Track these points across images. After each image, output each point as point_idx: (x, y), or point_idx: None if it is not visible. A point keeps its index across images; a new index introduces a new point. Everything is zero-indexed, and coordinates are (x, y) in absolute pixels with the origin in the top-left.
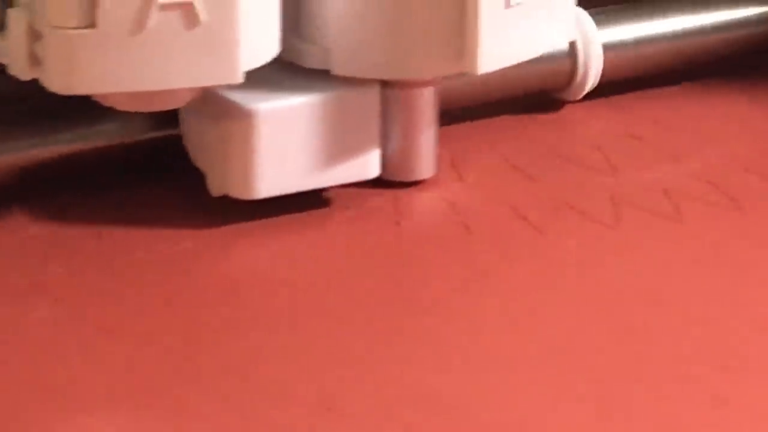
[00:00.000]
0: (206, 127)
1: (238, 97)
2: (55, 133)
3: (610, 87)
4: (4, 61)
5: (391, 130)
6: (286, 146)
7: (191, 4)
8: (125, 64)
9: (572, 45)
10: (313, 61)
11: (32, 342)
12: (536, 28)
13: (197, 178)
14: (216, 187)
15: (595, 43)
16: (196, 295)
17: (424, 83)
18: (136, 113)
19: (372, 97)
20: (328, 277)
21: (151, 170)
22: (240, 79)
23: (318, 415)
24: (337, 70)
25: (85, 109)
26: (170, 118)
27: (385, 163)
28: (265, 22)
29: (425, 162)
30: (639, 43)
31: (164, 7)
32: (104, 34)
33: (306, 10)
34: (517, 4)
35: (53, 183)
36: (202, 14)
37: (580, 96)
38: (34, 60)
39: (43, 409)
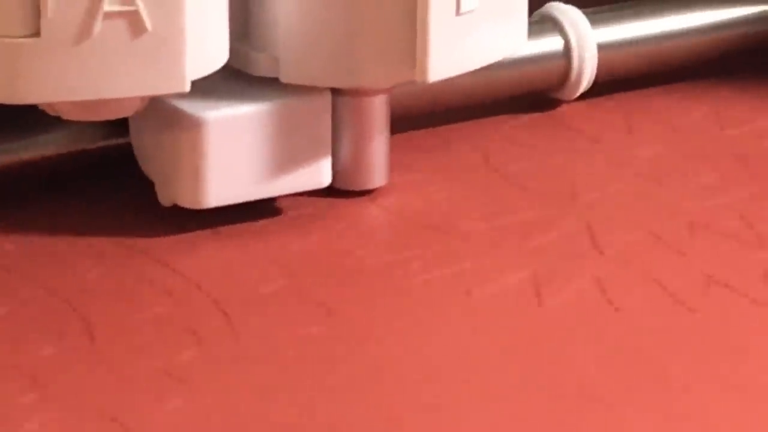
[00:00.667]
0: (155, 136)
1: (186, 106)
2: (3, 142)
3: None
4: None
5: (342, 139)
6: (235, 155)
7: (137, 12)
8: (71, 73)
9: (567, 45)
10: (261, 69)
11: None
12: (489, 36)
13: (148, 187)
14: (165, 196)
15: (589, 42)
16: (135, 302)
17: (376, 91)
18: (85, 122)
19: (323, 105)
20: (273, 287)
21: (101, 179)
22: (187, 87)
23: None
24: (286, 78)
25: (34, 117)
26: (121, 126)
27: (336, 172)
28: (213, 29)
29: (377, 171)
30: (633, 43)
31: (109, 15)
32: (49, 42)
33: (254, 17)
34: (468, 11)
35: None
36: (148, 22)
37: (575, 96)
38: None
39: None
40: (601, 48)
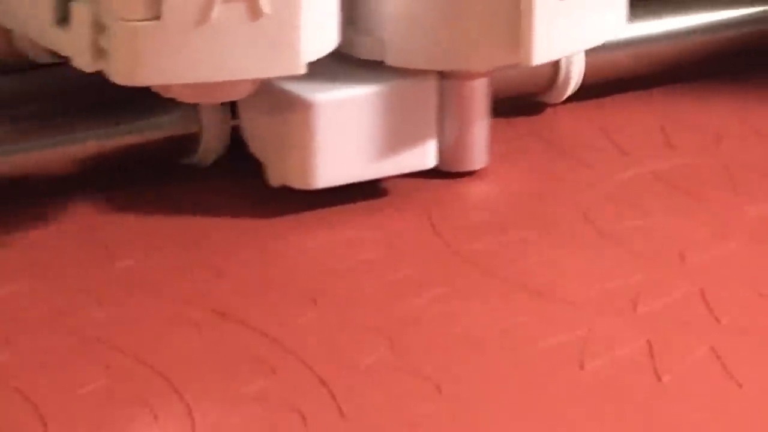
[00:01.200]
0: (265, 118)
1: (297, 89)
2: (114, 125)
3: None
4: (67, 53)
5: (446, 121)
6: (344, 137)
7: None
8: (189, 56)
9: None
10: (368, 52)
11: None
12: (590, 19)
13: (256, 168)
14: (275, 177)
15: None
16: (248, 282)
17: (479, 74)
18: (194, 105)
19: (429, 87)
20: (383, 265)
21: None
22: (303, 70)
23: None
24: (393, 61)
25: (144, 100)
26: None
27: (439, 154)
28: (326, 13)
29: (479, 152)
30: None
31: (228, 1)
32: (169, 25)
33: (361, 2)
34: None
35: (113, 174)
36: (266, 6)
37: (562, 99)
38: (99, 52)
39: None
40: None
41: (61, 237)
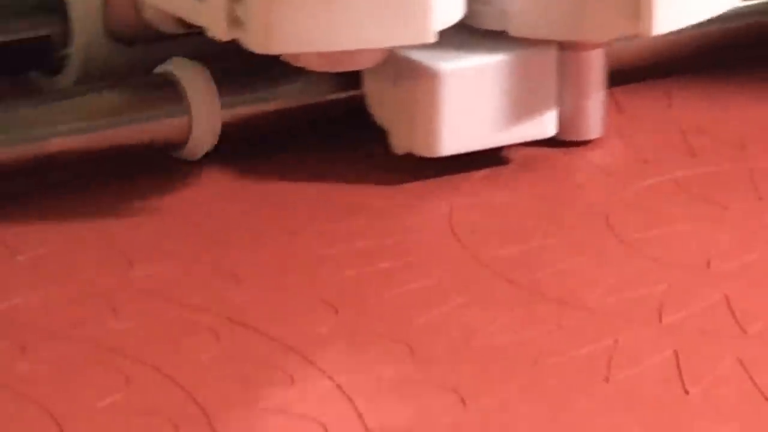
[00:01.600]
0: (390, 87)
1: (423, 58)
2: (240, 94)
3: None
4: (203, 24)
5: (564, 91)
6: (468, 105)
7: None
8: (322, 25)
9: None
10: (491, 23)
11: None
12: None
13: (379, 137)
14: (399, 145)
15: None
16: (377, 249)
17: (598, 45)
18: (319, 74)
19: (550, 58)
20: (512, 231)
21: (332, 131)
22: (433, 38)
23: None
24: (515, 31)
25: (268, 70)
26: (352, 79)
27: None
28: None
29: (595, 122)
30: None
31: None
32: None
33: None
34: None
35: (239, 142)
36: None
37: None
38: (234, 22)
39: None
40: None
41: (78, 243)
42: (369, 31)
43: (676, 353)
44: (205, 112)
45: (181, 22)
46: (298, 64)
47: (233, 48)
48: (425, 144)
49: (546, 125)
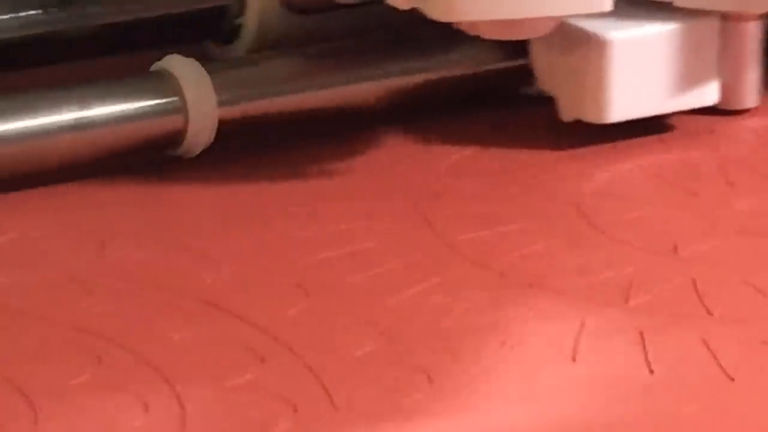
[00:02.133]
0: (560, 56)
1: (592, 27)
2: (415, 61)
3: None
4: None
5: (724, 60)
6: (636, 73)
7: None
8: None
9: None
10: None
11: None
12: None
13: (544, 104)
14: (568, 112)
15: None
16: (548, 209)
17: (756, 17)
18: (487, 43)
19: (712, 28)
20: (672, 197)
21: (501, 97)
22: (609, 7)
23: None
24: (680, 2)
25: (439, 39)
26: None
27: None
28: None
29: (752, 91)
30: None
31: None
32: None
33: None
34: None
35: (413, 107)
36: None
37: None
38: None
39: None
40: None
41: (52, 227)
42: (548, 0)
43: (641, 334)
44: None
45: None
46: (474, 32)
47: (404, 17)
48: (593, 111)
49: (708, 93)
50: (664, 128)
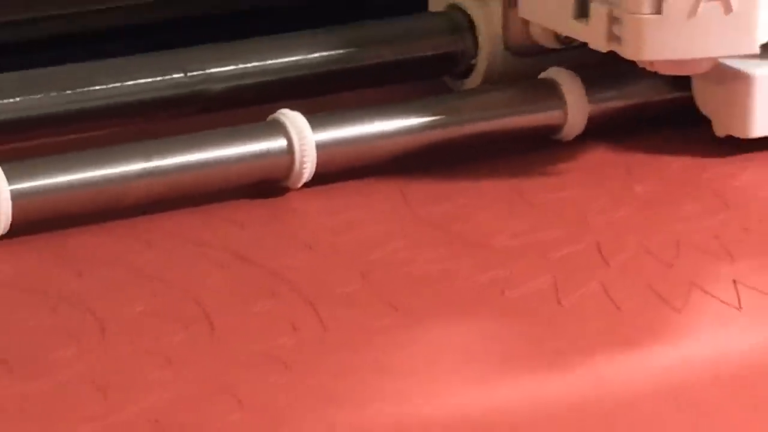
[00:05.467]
0: (714, 86)
1: (741, 66)
2: (603, 92)
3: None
4: (585, 39)
5: None
6: None
7: None
8: (677, 39)
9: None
10: None
11: None
12: None
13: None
14: (720, 129)
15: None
16: (670, 198)
17: None
18: (659, 78)
19: None
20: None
21: (670, 120)
22: (757, 50)
23: None
24: None
25: (627, 74)
26: (682, 83)
27: None
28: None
29: None
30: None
31: (709, 0)
32: (667, 18)
33: None
34: None
35: (603, 128)
36: (734, 2)
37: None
38: (612, 38)
39: None
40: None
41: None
42: (710, 44)
43: (555, 278)
44: (577, 106)
45: (559, 39)
46: (652, 69)
47: (598, 58)
48: (741, 128)
49: None
50: None
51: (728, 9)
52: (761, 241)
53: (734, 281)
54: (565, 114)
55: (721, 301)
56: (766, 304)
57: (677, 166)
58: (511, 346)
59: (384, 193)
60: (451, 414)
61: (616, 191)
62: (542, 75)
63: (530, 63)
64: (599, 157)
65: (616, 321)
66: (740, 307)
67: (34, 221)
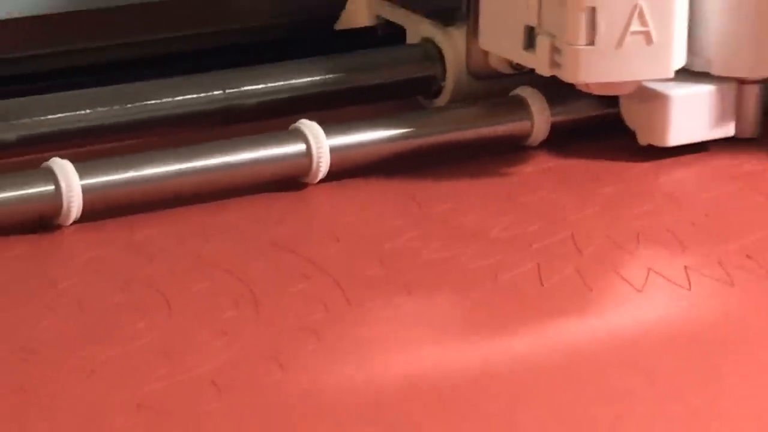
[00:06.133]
0: (638, 104)
1: (659, 87)
2: (555, 108)
3: None
4: (532, 66)
5: (740, 111)
6: (684, 114)
7: (648, 31)
8: (607, 66)
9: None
10: (699, 66)
11: None
12: None
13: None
14: (643, 139)
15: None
16: (630, 198)
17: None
18: (593, 97)
19: (731, 89)
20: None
21: (603, 131)
22: (672, 74)
23: None
24: (716, 71)
25: (567, 94)
26: (612, 101)
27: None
28: (682, 39)
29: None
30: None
31: (633, 33)
32: (598, 48)
33: (693, 33)
34: None
35: (561, 136)
36: (653, 34)
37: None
38: (554, 65)
39: None
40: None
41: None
42: (635, 69)
43: (538, 265)
44: (541, 118)
45: (512, 65)
46: (587, 90)
47: (543, 82)
48: (660, 138)
49: (730, 128)
50: (704, 147)
51: (649, 41)
52: (706, 233)
53: (685, 267)
54: (533, 124)
55: (674, 283)
56: (711, 285)
57: (637, 171)
58: (503, 318)
59: (395, 194)
60: (453, 368)
61: (585, 193)
62: (512, 93)
63: (488, 85)
64: (568, 163)
65: (587, 299)
66: (690, 288)
67: (101, 211)
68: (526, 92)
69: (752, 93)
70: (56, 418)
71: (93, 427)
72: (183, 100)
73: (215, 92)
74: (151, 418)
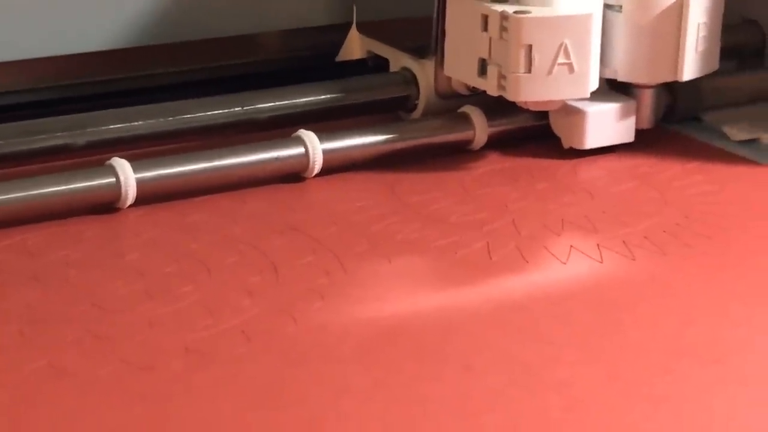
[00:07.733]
0: (564, 117)
1: (578, 104)
2: (495, 120)
3: None
4: (484, 88)
5: (639, 114)
6: (599, 125)
7: (572, 63)
8: (540, 88)
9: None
10: (607, 74)
11: None
12: (714, 50)
13: (556, 140)
14: (566, 143)
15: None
16: (557, 192)
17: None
18: (529, 112)
19: (631, 107)
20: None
21: (537, 138)
22: (588, 95)
23: None
24: (621, 78)
25: (511, 109)
26: (543, 115)
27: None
28: (596, 68)
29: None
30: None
31: (560, 64)
32: (534, 75)
33: (605, 54)
34: (703, 49)
35: (498, 143)
36: (575, 66)
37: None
38: (501, 87)
39: None
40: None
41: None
42: (559, 91)
43: (487, 243)
44: (481, 129)
45: (469, 88)
46: (525, 107)
47: (492, 100)
48: (579, 143)
49: (631, 135)
50: (614, 149)
51: (572, 70)
52: (613, 219)
53: (598, 245)
54: (474, 132)
55: (590, 257)
56: (618, 258)
57: (562, 169)
58: (461, 282)
59: (378, 187)
60: (423, 320)
61: (523, 187)
62: (459, 110)
63: (451, 103)
64: (511, 164)
65: (525, 268)
66: (602, 261)
67: (150, 198)
68: (470, 109)
69: (648, 95)
70: (124, 359)
71: (152, 365)
72: (212, 114)
73: (236, 108)
74: (197, 359)
